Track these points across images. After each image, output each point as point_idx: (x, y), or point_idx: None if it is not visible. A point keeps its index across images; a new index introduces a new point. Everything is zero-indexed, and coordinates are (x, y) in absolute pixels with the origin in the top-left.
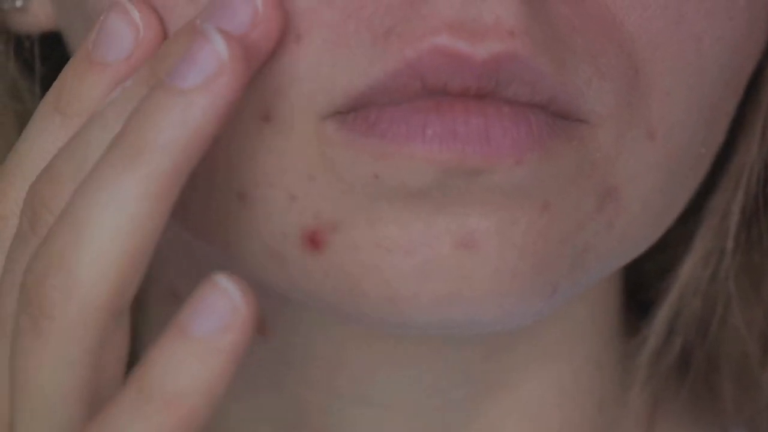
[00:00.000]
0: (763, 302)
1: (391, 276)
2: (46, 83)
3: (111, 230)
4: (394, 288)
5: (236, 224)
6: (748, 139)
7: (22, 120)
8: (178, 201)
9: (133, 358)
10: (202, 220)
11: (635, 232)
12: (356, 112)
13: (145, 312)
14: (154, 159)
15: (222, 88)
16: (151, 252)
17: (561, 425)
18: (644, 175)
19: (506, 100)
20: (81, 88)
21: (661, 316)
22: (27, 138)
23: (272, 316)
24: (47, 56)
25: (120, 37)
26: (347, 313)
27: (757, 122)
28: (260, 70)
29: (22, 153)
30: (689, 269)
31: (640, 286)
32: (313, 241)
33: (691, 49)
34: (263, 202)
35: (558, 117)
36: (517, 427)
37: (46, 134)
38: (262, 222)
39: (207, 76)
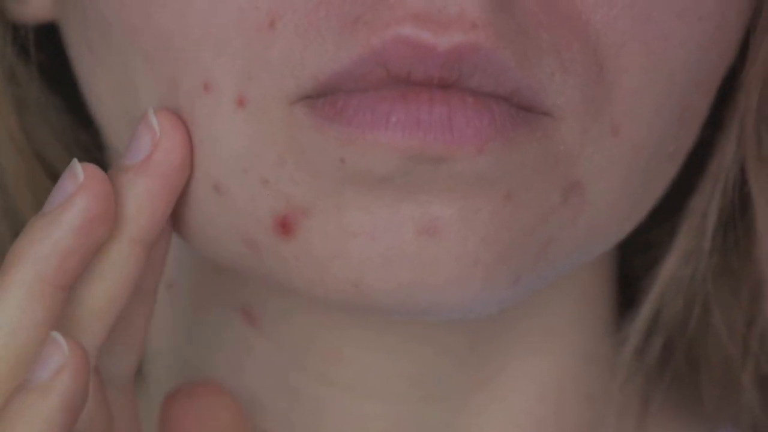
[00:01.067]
0: (743, 306)
1: (357, 261)
2: (43, 70)
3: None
4: (359, 273)
5: (213, 216)
6: (724, 142)
7: (20, 104)
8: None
9: None
10: (179, 213)
11: (601, 227)
12: (325, 97)
13: None
14: (20, 270)
15: (78, 205)
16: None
17: (544, 418)
18: (609, 171)
19: (470, 91)
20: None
21: (642, 315)
22: None
23: (262, 305)
24: (43, 44)
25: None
26: (316, 298)
27: (733, 126)
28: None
29: None
30: (669, 269)
31: (629, 283)
32: (285, 226)
33: (658, 48)
34: (237, 190)
35: (521, 109)
36: (499, 420)
37: None
38: (236, 211)
39: (64, 199)
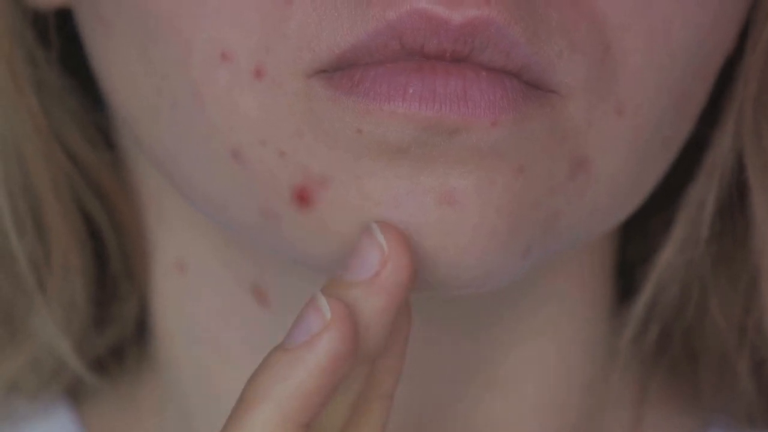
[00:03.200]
0: (740, 294)
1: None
2: (61, 55)
3: None
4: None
5: (230, 184)
6: (721, 132)
7: (40, 86)
8: (171, 162)
9: (143, 327)
10: (195, 180)
11: (605, 204)
12: (342, 71)
13: (152, 284)
14: (263, 409)
15: (326, 345)
16: None
17: (543, 405)
18: (614, 149)
19: (483, 66)
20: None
21: (639, 303)
22: None
23: (273, 283)
24: (62, 27)
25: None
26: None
27: (730, 116)
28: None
29: None
30: (666, 257)
31: (627, 271)
32: (303, 198)
33: (660, 30)
34: (256, 161)
35: (531, 86)
36: (499, 406)
37: None
38: (255, 181)
39: (309, 336)
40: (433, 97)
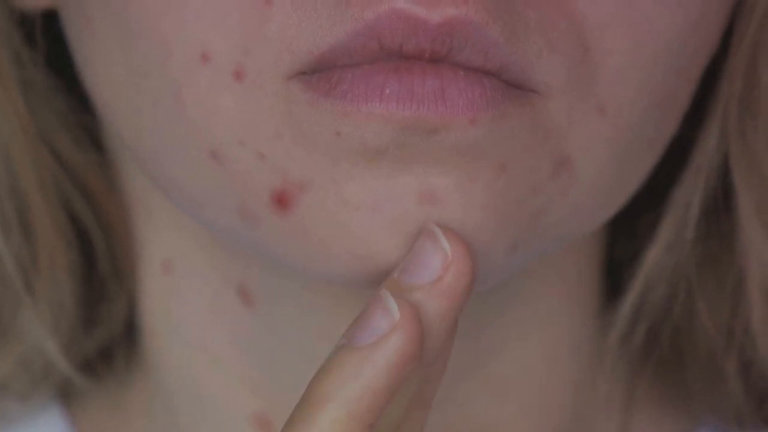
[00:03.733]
0: (727, 295)
1: (362, 233)
2: (50, 55)
3: None
4: (365, 245)
5: (209, 183)
6: (707, 133)
7: (26, 87)
8: (153, 162)
9: (131, 328)
10: (175, 178)
11: (587, 204)
12: (320, 73)
13: (140, 284)
14: (330, 409)
15: (394, 346)
16: None
17: (530, 405)
18: (596, 149)
19: (461, 65)
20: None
21: (627, 302)
22: None
23: (258, 282)
24: (48, 28)
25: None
26: (319, 273)
27: (715, 118)
28: (235, 27)
29: None
30: (653, 257)
31: (614, 271)
32: (281, 202)
33: (642, 30)
34: (234, 161)
35: (510, 86)
36: (486, 406)
37: None
38: (233, 182)
39: (376, 336)
40: (411, 97)
